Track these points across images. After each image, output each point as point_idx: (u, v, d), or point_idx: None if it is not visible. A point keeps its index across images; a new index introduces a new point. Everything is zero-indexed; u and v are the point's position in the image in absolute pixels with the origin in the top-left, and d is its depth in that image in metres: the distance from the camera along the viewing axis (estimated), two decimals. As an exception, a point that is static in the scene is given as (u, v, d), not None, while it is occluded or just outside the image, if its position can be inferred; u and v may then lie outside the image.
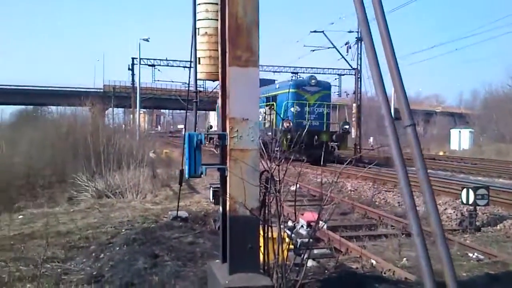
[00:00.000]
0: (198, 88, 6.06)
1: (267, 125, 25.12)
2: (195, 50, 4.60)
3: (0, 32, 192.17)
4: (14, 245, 8.04)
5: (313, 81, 24.82)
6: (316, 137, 22.94)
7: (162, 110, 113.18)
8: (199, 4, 4.57)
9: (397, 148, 2.31)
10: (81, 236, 8.31)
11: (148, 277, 5.72)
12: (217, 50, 4.49)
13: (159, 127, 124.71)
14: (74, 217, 10.56)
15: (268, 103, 25.81)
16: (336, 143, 24.05)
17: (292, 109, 23.86)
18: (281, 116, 23.34)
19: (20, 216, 11.63)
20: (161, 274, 5.78)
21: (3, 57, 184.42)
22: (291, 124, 22.36)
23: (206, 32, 4.55)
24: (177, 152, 32.79)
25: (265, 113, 25.77)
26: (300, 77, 28.67)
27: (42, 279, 6.02)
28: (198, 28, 4.59)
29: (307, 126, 15.94)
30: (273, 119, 25.00)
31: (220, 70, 4.45)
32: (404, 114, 2.33)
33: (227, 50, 4.18)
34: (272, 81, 28.28)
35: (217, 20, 4.46)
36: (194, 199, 13.80)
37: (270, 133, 20.00)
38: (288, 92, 23.23)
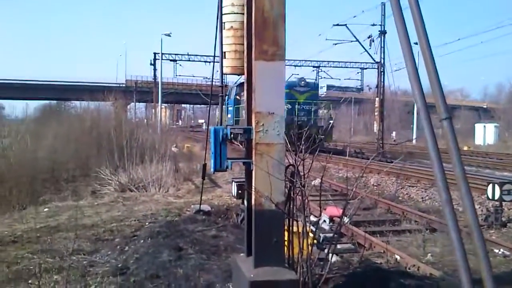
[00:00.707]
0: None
1: None
2: (221, 44, 4.60)
3: (24, 29, 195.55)
4: (41, 238, 8.19)
5: (302, 82, 28.54)
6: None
7: (183, 105, 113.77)
8: (225, -2, 4.56)
9: (433, 142, 2.28)
10: (105, 229, 8.41)
11: (172, 270, 5.77)
12: (243, 44, 4.49)
13: (180, 121, 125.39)
14: (99, 210, 10.71)
15: None
16: (322, 136, 25.96)
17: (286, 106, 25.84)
18: None
19: (46, 209, 11.83)
20: (185, 267, 5.83)
21: (29, 53, 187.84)
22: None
23: (231, 26, 4.54)
24: (198, 147, 32.98)
25: None
26: (295, 78, 30.95)
27: (69, 271, 6.13)
28: (224, 22, 4.58)
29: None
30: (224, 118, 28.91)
31: (245, 64, 4.45)
32: (440, 107, 2.29)
33: (253, 44, 4.18)
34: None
35: (243, 14, 4.45)
36: (215, 193, 13.87)
37: None
38: (285, 92, 24.76)
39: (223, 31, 4.61)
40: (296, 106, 26.95)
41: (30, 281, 5.95)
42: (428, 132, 2.30)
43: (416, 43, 2.45)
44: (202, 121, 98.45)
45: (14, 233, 8.46)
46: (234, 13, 4.53)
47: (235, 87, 32.75)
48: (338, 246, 7.24)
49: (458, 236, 2.16)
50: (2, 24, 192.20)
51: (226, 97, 34.12)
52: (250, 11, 4.23)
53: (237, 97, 31.13)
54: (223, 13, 4.57)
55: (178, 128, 74.89)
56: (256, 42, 4.14)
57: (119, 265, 6.20)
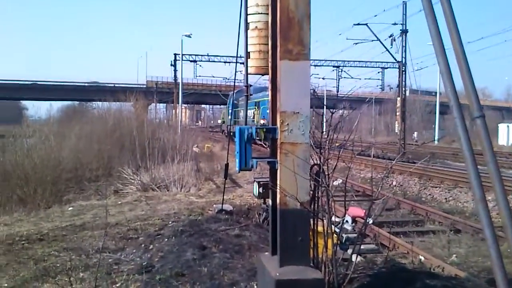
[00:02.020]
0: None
1: (254, 122, 33.93)
2: (246, 44, 4.62)
3: (47, 31, 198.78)
4: (66, 236, 8.33)
5: None
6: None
7: (202, 105, 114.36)
8: (249, -2, 4.58)
9: (467, 141, 2.26)
10: (130, 228, 8.50)
11: (197, 268, 5.82)
12: (267, 44, 4.50)
13: (199, 122, 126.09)
14: (122, 209, 10.84)
15: (256, 106, 34.63)
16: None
17: (268, 111, 28.45)
18: (260, 116, 31.35)
19: (70, 208, 12.02)
20: (209, 265, 5.87)
21: (52, 54, 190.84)
22: (266, 121, 27.67)
23: (256, 27, 4.56)
24: (218, 147, 33.15)
25: (253, 113, 34.90)
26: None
27: (94, 269, 6.23)
28: (249, 23, 4.61)
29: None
30: (258, 118, 33.24)
31: (270, 64, 4.46)
32: (473, 104, 2.27)
33: (278, 44, 4.19)
34: (264, 89, 32.87)
35: (268, 14, 4.47)
36: (237, 193, 13.92)
37: None
38: (266, 100, 28.09)
39: (248, 31, 4.64)
40: None
41: (57, 278, 6.06)
42: (461, 131, 2.28)
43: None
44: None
45: (41, 231, 8.60)
46: (259, 13, 4.55)
47: (233, 93, 34.18)
48: (362, 247, 7.21)
49: (492, 233, 2.14)
50: (27, 26, 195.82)
51: (228, 101, 44.17)
52: (275, 11, 4.25)
53: (235, 101, 37.96)
54: (248, 13, 4.60)
55: (198, 128, 75.31)
56: (281, 41, 4.16)
57: (144, 263, 6.27)
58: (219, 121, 64.76)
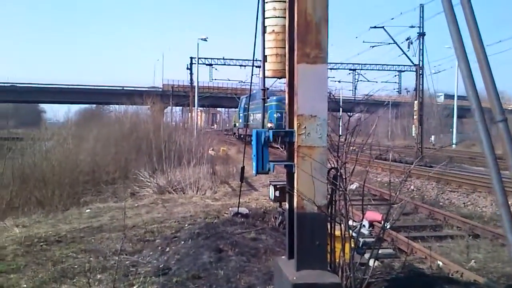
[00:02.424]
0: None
1: (266, 125, 37.68)
2: (263, 48, 4.63)
3: (64, 35, 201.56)
4: (84, 238, 8.40)
5: None
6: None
7: (218, 109, 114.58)
8: (266, 2, 4.59)
9: (489, 145, 2.23)
10: (146, 230, 8.55)
11: (213, 271, 5.83)
12: (284, 47, 4.51)
13: (215, 125, 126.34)
14: (139, 212, 10.90)
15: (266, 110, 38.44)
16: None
17: (274, 115, 35.80)
18: (268, 120, 34.45)
19: (88, 210, 12.12)
20: (226, 268, 5.88)
21: (69, 58, 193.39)
22: (273, 125, 32.78)
23: (273, 30, 4.57)
24: (234, 150, 33.19)
25: (262, 117, 38.11)
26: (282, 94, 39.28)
27: (112, 271, 6.28)
28: (266, 26, 4.61)
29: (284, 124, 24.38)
30: (266, 121, 36.80)
31: (287, 68, 4.47)
32: (495, 108, 2.24)
33: (295, 47, 4.19)
34: (272, 94, 36.97)
35: (285, 17, 4.47)
36: (252, 196, 13.89)
37: None
38: (274, 104, 34.81)
39: (265, 35, 4.64)
40: (284, 115, 32.06)
41: (75, 280, 6.13)
42: (483, 134, 2.25)
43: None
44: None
45: (59, 233, 8.69)
46: (276, 17, 4.55)
47: (244, 98, 45.73)
48: (379, 251, 7.16)
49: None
50: (44, 31, 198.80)
51: (238, 105, 49.83)
52: (292, 14, 4.25)
53: (246, 106, 44.53)
54: (265, 17, 4.60)
55: (214, 131, 75.49)
56: (299, 45, 4.16)
57: (161, 266, 6.30)
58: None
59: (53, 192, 16.28)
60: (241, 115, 48.29)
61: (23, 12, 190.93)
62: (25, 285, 6.00)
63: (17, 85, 65.78)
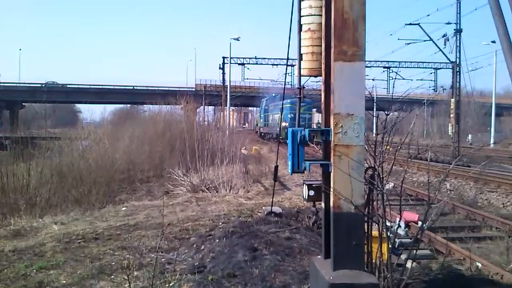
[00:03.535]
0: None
1: (281, 124, 43.33)
2: (299, 46, 4.60)
3: (101, 39, 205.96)
4: (120, 235, 8.54)
5: (302, 100, 39.69)
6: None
7: (249, 108, 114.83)
8: (302, 0, 4.57)
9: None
10: (181, 228, 8.62)
11: (248, 269, 5.84)
12: (320, 45, 4.47)
13: (246, 124, 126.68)
14: (173, 210, 11.01)
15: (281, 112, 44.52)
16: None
17: (289, 115, 40.49)
18: (283, 119, 40.48)
19: (124, 208, 12.32)
20: (260, 267, 5.88)
21: (105, 59, 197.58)
22: (288, 124, 38.83)
23: (309, 28, 4.54)
24: (266, 149, 33.21)
25: (279, 117, 44.54)
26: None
27: (148, 268, 6.37)
28: (301, 24, 4.59)
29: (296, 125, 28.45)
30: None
31: (323, 66, 4.43)
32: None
33: (332, 45, 4.15)
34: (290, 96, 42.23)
35: (321, 15, 4.44)
36: (285, 195, 13.86)
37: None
38: (289, 106, 38.91)
39: (301, 33, 4.62)
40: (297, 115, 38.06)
41: (112, 276, 6.24)
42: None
43: (493, 41, 2.34)
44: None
45: (96, 231, 8.86)
46: (312, 15, 4.52)
47: (264, 101, 52.80)
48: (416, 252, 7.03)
49: None
50: (84, 33, 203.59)
51: (260, 106, 56.37)
52: (329, 12, 4.21)
53: (266, 107, 51.63)
54: (301, 15, 4.58)
55: (245, 131, 75.68)
56: (335, 43, 4.12)
57: (196, 264, 6.35)
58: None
59: (90, 190, 16.61)
60: (261, 115, 55.37)
61: (65, 14, 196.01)
62: (64, 281, 6.15)
63: (56, 86, 67.73)
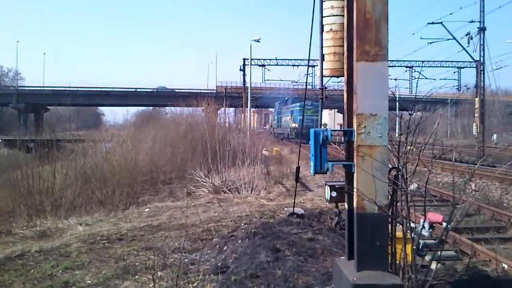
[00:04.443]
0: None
1: (291, 125, 51.02)
2: (321, 47, 4.60)
3: (124, 42, 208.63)
4: (144, 236, 8.63)
5: (310, 103, 42.58)
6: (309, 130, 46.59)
7: (270, 109, 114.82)
8: (324, 1, 4.57)
9: None
10: (204, 229, 8.66)
11: (271, 270, 5.85)
12: (342, 46, 4.47)
13: (267, 125, 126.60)
14: (196, 211, 11.07)
15: (291, 114, 51.88)
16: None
17: (298, 117, 46.66)
18: (292, 120, 48.96)
19: (147, 209, 12.44)
20: (283, 268, 5.88)
21: (129, 63, 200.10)
22: (297, 125, 46.10)
23: (331, 29, 4.54)
24: (287, 150, 33.15)
25: (290, 119, 51.99)
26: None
27: (172, 268, 6.42)
28: (323, 25, 4.58)
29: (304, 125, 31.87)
30: (291, 122, 51.10)
31: (345, 66, 4.42)
32: None
33: (354, 45, 4.15)
34: (300, 100, 49.31)
35: (343, 16, 4.43)
36: (307, 196, 13.81)
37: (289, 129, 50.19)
38: (297, 109, 47.14)
39: (323, 33, 4.61)
40: (305, 117, 44.22)
41: (137, 277, 6.31)
42: None
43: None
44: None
45: (120, 231, 8.97)
46: (334, 15, 4.52)
47: (278, 103, 60.56)
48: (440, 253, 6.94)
49: None
50: (107, 37, 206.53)
51: (274, 109, 65.56)
52: (351, 12, 4.20)
53: (279, 110, 60.15)
54: (323, 15, 4.58)
55: (266, 132, 75.68)
56: (358, 43, 4.11)
57: (219, 264, 6.38)
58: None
59: (113, 191, 16.82)
60: (275, 117, 63.81)
61: (89, 16, 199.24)
62: (89, 281, 6.24)
63: (79, 89, 68.87)
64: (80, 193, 16.06)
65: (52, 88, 68.21)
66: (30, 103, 70.01)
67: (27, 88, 73.84)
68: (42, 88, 70.88)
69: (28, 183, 14.99)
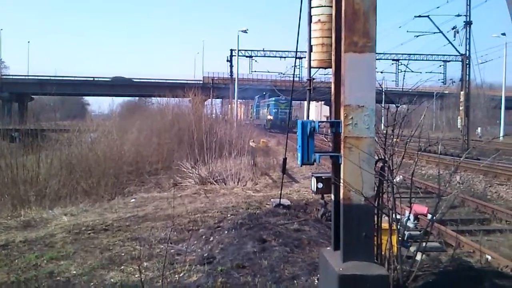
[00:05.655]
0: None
1: (267, 117, 58.35)
2: (309, 38, 4.59)
3: (110, 31, 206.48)
4: (130, 226, 8.60)
5: (283, 98, 49.46)
6: (282, 122, 50.59)
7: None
8: (312, -9, 4.55)
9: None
10: (190, 220, 8.66)
11: (257, 261, 5.87)
12: (330, 37, 4.44)
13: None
14: (182, 202, 11.06)
15: (267, 107, 60.46)
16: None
17: (273, 110, 55.54)
18: (268, 113, 56.29)
19: (133, 200, 12.38)
20: (269, 258, 5.91)
21: (116, 52, 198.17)
22: (272, 117, 54.97)
23: (319, 20, 4.51)
24: (273, 142, 33.19)
25: (266, 112, 60.17)
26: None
27: (158, 258, 6.42)
28: (312, 16, 4.56)
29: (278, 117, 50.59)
30: (266, 114, 58.49)
31: (333, 57, 4.41)
32: None
33: (343, 36, 4.14)
34: (279, 95, 56.16)
35: (331, 7, 4.41)
36: (293, 187, 13.86)
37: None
38: (272, 103, 55.44)
39: (311, 24, 4.59)
40: (279, 110, 51.71)
41: (122, 267, 6.29)
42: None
43: (504, 34, 2.30)
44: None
45: (105, 222, 8.92)
46: (322, 6, 4.50)
47: (257, 97, 67.25)
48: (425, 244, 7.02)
49: None
50: (92, 25, 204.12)
51: (253, 102, 72.82)
52: (340, 3, 4.20)
53: (258, 103, 67.79)
54: (311, 6, 4.56)
55: (252, 123, 75.74)
56: (346, 34, 4.10)
57: (205, 255, 6.39)
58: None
59: (99, 182, 16.70)
60: (254, 109, 70.57)
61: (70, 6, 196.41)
62: (74, 271, 6.21)
63: (64, 78, 68.01)
64: (65, 183, 15.88)
65: (36, 77, 67.28)
66: (14, 92, 69.01)
67: (11, 77, 72.69)
68: (26, 77, 69.87)
69: (13, 173, 14.79)
